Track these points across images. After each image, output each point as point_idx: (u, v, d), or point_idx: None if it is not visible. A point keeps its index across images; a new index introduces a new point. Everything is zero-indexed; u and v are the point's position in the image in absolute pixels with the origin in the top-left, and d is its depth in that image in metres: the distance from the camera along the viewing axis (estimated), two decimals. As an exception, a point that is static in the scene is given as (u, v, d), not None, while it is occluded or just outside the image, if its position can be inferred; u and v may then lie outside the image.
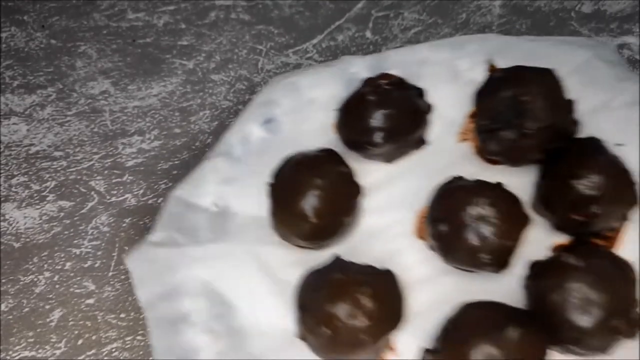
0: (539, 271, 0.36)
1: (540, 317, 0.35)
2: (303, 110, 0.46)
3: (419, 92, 0.44)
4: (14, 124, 0.52)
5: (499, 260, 0.37)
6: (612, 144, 0.39)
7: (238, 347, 0.37)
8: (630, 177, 0.37)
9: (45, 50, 0.58)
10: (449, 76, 0.45)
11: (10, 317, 0.42)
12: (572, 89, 0.40)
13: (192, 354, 0.37)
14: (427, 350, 0.34)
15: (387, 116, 0.41)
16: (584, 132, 0.41)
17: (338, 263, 0.37)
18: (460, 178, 0.39)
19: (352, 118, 0.42)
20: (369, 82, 0.43)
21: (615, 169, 0.37)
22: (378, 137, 0.41)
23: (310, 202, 0.38)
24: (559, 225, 0.39)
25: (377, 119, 0.41)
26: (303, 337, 0.36)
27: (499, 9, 0.59)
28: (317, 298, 0.36)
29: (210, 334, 0.38)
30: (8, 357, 0.40)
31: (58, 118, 0.52)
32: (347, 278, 0.36)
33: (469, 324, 0.34)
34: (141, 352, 0.42)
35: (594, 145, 0.38)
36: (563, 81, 0.40)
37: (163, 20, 0.60)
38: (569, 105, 0.40)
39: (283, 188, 0.39)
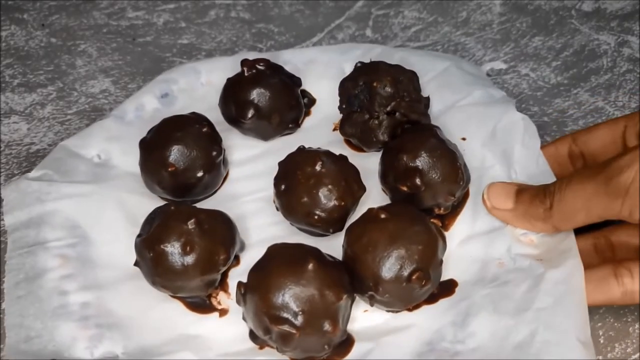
0: (350, 227, 0.39)
1: (347, 267, 0.38)
2: (197, 89, 0.51)
3: (296, 81, 0.49)
4: (14, 122, 0.52)
5: (332, 220, 0.41)
6: (458, 137, 0.46)
7: (84, 274, 0.41)
8: (457, 158, 0.42)
9: (45, 48, 0.58)
10: (333, 75, 0.50)
11: (11, 315, 0.42)
12: (431, 90, 0.48)
13: (40, 273, 0.41)
14: (240, 282, 0.37)
15: (258, 93, 0.46)
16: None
17: (179, 203, 0.42)
18: (305, 147, 0.44)
19: (229, 94, 0.48)
20: (246, 63, 0.47)
21: (440, 149, 0.42)
22: (249, 111, 0.46)
23: (169, 152, 0.43)
24: (394, 199, 0.43)
25: (249, 94, 0.46)
26: (137, 264, 0.40)
27: (500, 7, 0.59)
28: (150, 226, 0.39)
29: (61, 258, 0.41)
30: (9, 356, 0.40)
31: (58, 117, 0.53)
32: (177, 209, 0.39)
33: (272, 257, 0.37)
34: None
35: (427, 129, 0.43)
36: (425, 84, 0.48)
37: (163, 18, 0.60)
38: (422, 99, 0.46)
39: (150, 140, 0.44)
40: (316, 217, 0.41)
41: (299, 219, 0.42)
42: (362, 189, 0.43)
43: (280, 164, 0.43)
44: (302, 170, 0.41)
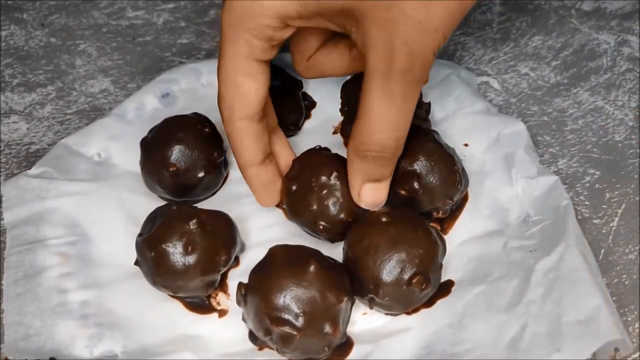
0: (351, 229, 0.39)
1: (348, 269, 0.38)
2: (198, 90, 0.51)
3: (297, 84, 0.49)
4: (14, 122, 0.52)
5: (336, 232, 0.41)
6: (460, 143, 0.47)
7: (83, 272, 0.41)
8: (454, 162, 0.42)
9: (45, 48, 0.58)
10: (333, 79, 0.49)
11: (11, 315, 0.42)
12: (432, 97, 0.49)
13: (39, 271, 0.41)
14: (240, 283, 0.37)
15: None
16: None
17: (181, 203, 0.41)
18: (322, 147, 0.43)
19: None
20: None
21: (438, 153, 0.42)
22: None
23: (170, 152, 0.43)
24: (393, 203, 0.42)
25: None
26: (137, 263, 0.40)
27: (499, 6, 0.59)
28: (151, 226, 0.39)
29: (60, 256, 0.42)
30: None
31: (58, 116, 0.52)
32: (179, 210, 0.39)
33: (274, 258, 0.37)
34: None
35: (425, 134, 0.43)
36: (426, 90, 0.48)
37: (163, 18, 0.60)
38: (423, 105, 0.46)
39: (152, 140, 0.44)
40: (321, 227, 0.41)
41: (303, 223, 0.42)
42: None
43: (295, 161, 0.43)
44: (317, 177, 0.41)
